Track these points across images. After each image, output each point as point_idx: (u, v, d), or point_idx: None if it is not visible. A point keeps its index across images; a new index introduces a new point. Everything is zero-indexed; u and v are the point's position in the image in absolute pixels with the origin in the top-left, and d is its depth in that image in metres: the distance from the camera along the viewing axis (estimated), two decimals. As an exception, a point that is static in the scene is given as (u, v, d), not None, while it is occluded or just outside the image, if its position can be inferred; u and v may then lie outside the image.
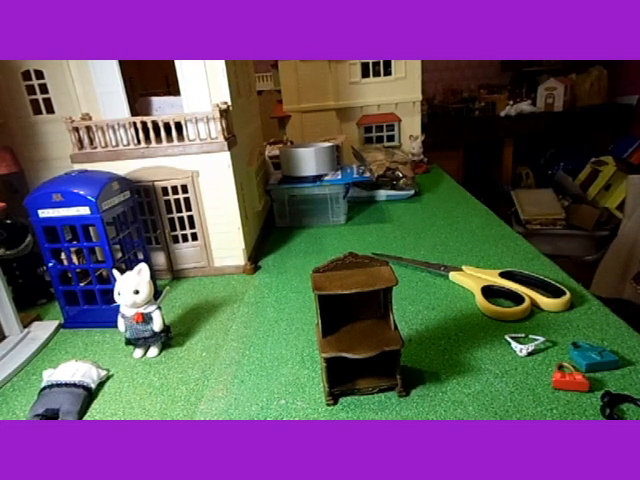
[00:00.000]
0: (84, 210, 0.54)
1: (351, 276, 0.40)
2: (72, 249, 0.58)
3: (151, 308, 0.49)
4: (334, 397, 0.41)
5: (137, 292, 0.48)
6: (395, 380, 0.41)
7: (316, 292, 0.39)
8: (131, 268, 0.62)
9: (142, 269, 0.48)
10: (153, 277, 0.66)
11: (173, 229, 0.69)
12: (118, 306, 0.57)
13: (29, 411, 0.42)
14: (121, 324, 0.49)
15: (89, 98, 0.68)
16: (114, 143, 0.66)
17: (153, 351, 0.51)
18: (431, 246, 0.74)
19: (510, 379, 0.41)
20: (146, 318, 0.49)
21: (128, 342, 0.50)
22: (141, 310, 0.49)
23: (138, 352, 0.51)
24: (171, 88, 0.82)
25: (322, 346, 0.40)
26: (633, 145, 2.49)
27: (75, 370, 0.45)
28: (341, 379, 0.42)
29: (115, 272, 0.48)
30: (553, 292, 0.53)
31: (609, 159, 2.25)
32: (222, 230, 0.69)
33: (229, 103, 0.67)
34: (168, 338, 0.51)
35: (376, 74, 1.24)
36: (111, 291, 0.57)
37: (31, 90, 0.71)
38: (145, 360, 0.51)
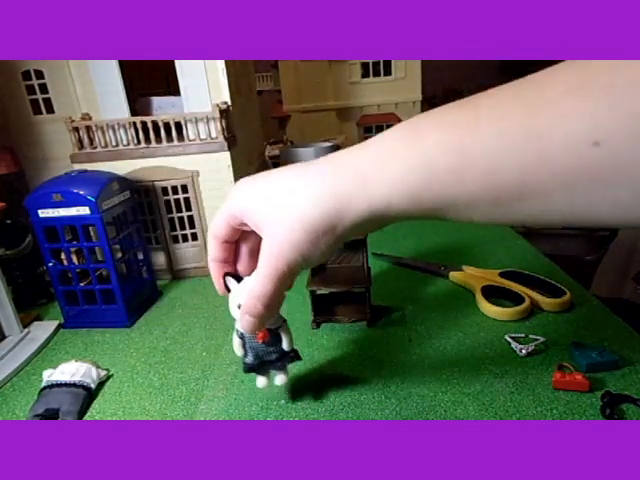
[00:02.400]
0: (84, 210, 0.54)
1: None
2: (72, 249, 0.58)
3: (277, 323, 0.38)
4: (317, 323, 0.53)
5: None
6: (366, 315, 0.52)
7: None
8: (131, 268, 0.62)
9: None
10: (154, 277, 0.66)
11: (173, 229, 0.69)
12: (118, 306, 0.58)
13: (29, 411, 0.42)
14: (238, 346, 0.38)
15: (89, 98, 0.68)
16: (114, 143, 0.66)
17: (281, 378, 0.40)
18: (431, 246, 0.74)
19: (510, 379, 0.41)
20: (272, 336, 0.38)
21: (249, 369, 0.39)
22: (267, 326, 0.37)
23: (262, 381, 0.40)
24: (171, 88, 0.82)
25: (309, 283, 0.52)
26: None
27: (75, 370, 0.45)
28: (324, 311, 0.53)
29: (230, 280, 0.36)
30: (553, 292, 0.53)
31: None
32: (222, 230, 0.69)
33: (229, 103, 0.67)
34: (293, 360, 0.40)
35: (376, 74, 1.24)
36: (111, 291, 0.57)
37: (31, 90, 0.71)
38: (145, 360, 0.50)
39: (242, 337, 0.38)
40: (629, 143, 0.19)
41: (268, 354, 0.38)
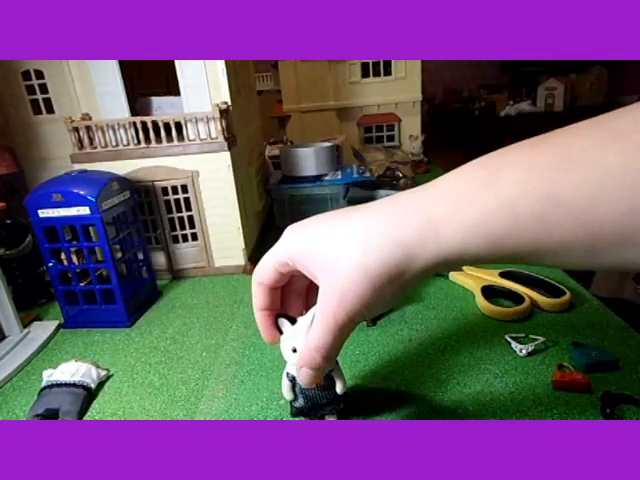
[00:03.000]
0: (84, 210, 0.54)
1: None
2: (72, 249, 0.58)
3: (332, 366, 0.34)
4: None
5: None
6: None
7: None
8: (131, 268, 0.62)
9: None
10: (154, 277, 0.66)
11: (173, 229, 0.69)
12: (118, 306, 0.58)
13: (29, 411, 0.42)
14: (288, 389, 0.36)
15: (89, 98, 0.68)
16: (114, 143, 0.66)
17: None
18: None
19: (510, 379, 0.41)
20: (326, 380, 0.35)
21: (298, 412, 0.37)
22: None
23: None
24: (171, 88, 0.82)
25: None
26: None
27: (75, 370, 0.45)
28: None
29: (284, 322, 0.33)
30: (553, 292, 0.53)
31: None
32: (222, 230, 0.69)
33: (229, 103, 0.67)
34: (344, 404, 0.37)
35: (376, 74, 1.24)
36: (111, 291, 0.57)
37: (31, 90, 0.71)
38: (145, 360, 0.51)
39: (293, 380, 0.36)
40: None
41: (321, 398, 0.36)
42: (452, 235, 0.24)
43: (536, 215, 0.21)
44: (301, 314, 0.33)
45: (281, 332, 0.34)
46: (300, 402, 0.37)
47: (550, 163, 0.22)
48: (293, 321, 0.33)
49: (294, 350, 0.33)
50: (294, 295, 0.35)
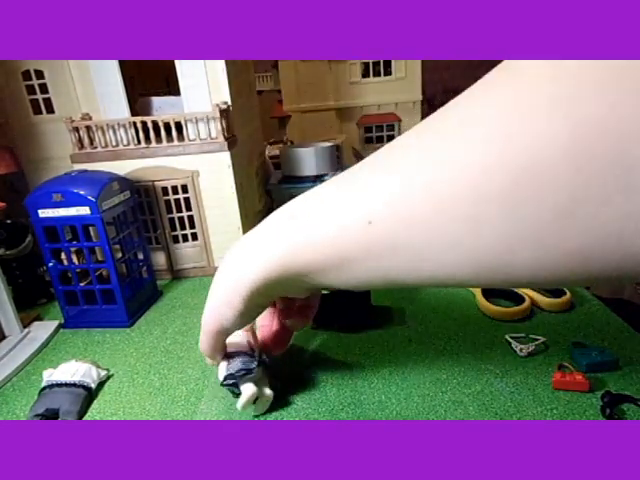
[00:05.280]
0: (84, 210, 0.54)
1: None
2: (72, 249, 0.58)
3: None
4: (317, 325, 0.53)
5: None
6: (366, 315, 0.53)
7: None
8: (131, 268, 0.62)
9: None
10: (154, 277, 0.66)
11: (173, 229, 0.69)
12: (118, 306, 0.58)
13: (29, 411, 0.42)
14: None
15: (89, 98, 0.68)
16: (114, 143, 0.66)
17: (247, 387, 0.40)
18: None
19: (510, 379, 0.41)
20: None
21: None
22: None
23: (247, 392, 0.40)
24: (171, 88, 0.82)
25: None
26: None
27: (75, 370, 0.45)
28: (325, 312, 0.47)
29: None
30: (553, 292, 0.53)
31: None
32: (222, 230, 0.69)
33: (229, 103, 0.67)
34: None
35: (376, 74, 1.24)
36: (111, 291, 0.57)
37: (31, 90, 0.71)
38: (145, 360, 0.51)
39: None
40: (396, 225, 0.23)
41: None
42: (258, 264, 0.32)
43: (296, 247, 0.30)
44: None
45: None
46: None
47: (299, 211, 0.31)
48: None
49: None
50: (297, 311, 0.43)
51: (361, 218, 0.25)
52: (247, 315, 0.35)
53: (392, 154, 0.26)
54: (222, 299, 0.34)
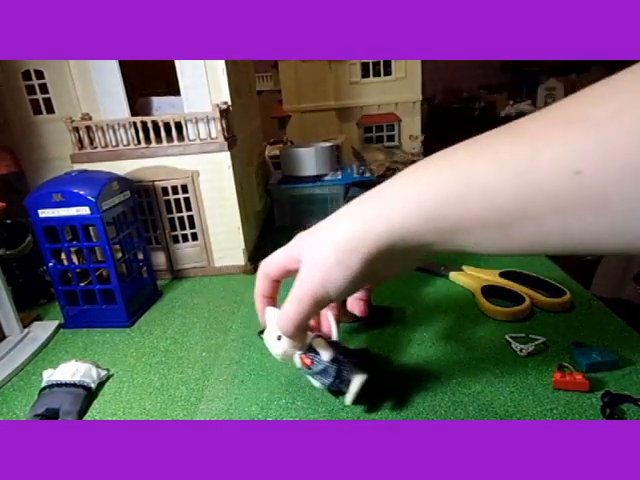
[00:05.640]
0: (84, 210, 0.54)
1: None
2: (72, 249, 0.58)
3: (306, 344, 0.38)
4: None
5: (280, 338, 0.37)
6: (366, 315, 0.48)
7: None
8: (131, 268, 0.62)
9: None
10: (154, 277, 0.66)
11: (173, 229, 0.69)
12: (118, 306, 0.58)
13: (29, 411, 0.42)
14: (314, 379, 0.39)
15: (89, 98, 0.68)
16: (114, 143, 0.66)
17: (357, 379, 0.38)
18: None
19: (510, 379, 0.41)
20: (314, 357, 0.38)
21: (332, 392, 0.40)
22: (300, 353, 0.38)
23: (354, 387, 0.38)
24: (171, 88, 0.82)
25: None
26: (633, 145, 2.48)
27: (75, 370, 0.45)
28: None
29: (272, 310, 0.38)
30: (553, 292, 0.53)
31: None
32: (222, 230, 0.69)
33: (229, 103, 0.67)
34: (362, 357, 0.40)
35: (376, 74, 1.24)
36: (111, 291, 0.57)
37: (31, 90, 0.71)
38: (145, 360, 0.51)
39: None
40: (606, 174, 0.21)
41: (326, 375, 0.38)
42: (396, 212, 0.29)
43: (457, 195, 0.26)
44: None
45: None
46: (320, 385, 0.39)
47: (467, 155, 0.27)
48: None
49: (279, 338, 0.37)
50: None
51: (566, 167, 0.22)
52: (358, 283, 0.32)
53: (593, 97, 0.24)
54: (331, 257, 0.31)
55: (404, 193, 0.29)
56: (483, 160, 0.26)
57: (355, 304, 0.41)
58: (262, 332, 0.39)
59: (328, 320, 0.39)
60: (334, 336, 0.39)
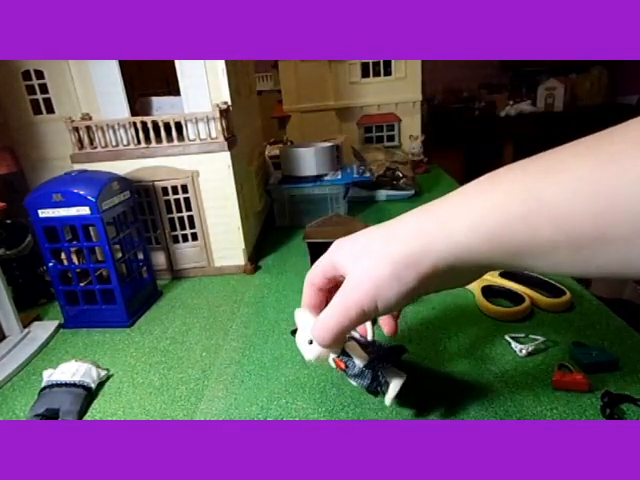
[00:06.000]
0: (84, 210, 0.54)
1: (333, 230, 0.53)
2: (72, 249, 0.58)
3: (340, 348, 0.37)
4: None
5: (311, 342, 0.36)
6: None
7: (305, 240, 0.55)
8: (131, 268, 0.62)
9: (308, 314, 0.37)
10: (154, 277, 0.66)
11: (173, 229, 0.69)
12: (118, 306, 0.58)
13: (29, 411, 0.42)
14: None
15: (89, 98, 0.68)
16: (114, 143, 0.66)
17: (396, 383, 0.37)
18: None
19: (510, 379, 0.41)
20: (348, 361, 0.37)
21: (370, 393, 0.39)
22: (334, 356, 0.37)
23: (394, 387, 0.37)
24: (171, 88, 0.82)
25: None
26: (633, 145, 2.48)
27: (75, 370, 0.45)
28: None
29: (302, 313, 0.37)
30: (553, 292, 0.53)
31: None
32: (222, 230, 0.69)
33: (229, 103, 0.67)
34: (393, 355, 0.38)
35: (376, 74, 1.24)
36: (111, 291, 0.57)
37: (31, 90, 0.71)
38: (145, 360, 0.51)
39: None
40: None
41: (363, 377, 0.37)
42: (458, 230, 0.27)
43: (524, 214, 0.25)
44: None
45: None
46: (366, 382, 0.37)
47: (536, 173, 0.25)
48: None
49: (310, 342, 0.36)
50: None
51: None
52: (409, 298, 0.31)
53: None
54: (386, 272, 0.29)
55: (466, 211, 0.27)
56: (556, 179, 0.24)
57: (386, 322, 0.40)
58: (295, 332, 0.39)
59: None
60: (369, 336, 0.39)
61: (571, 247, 0.24)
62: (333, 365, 0.38)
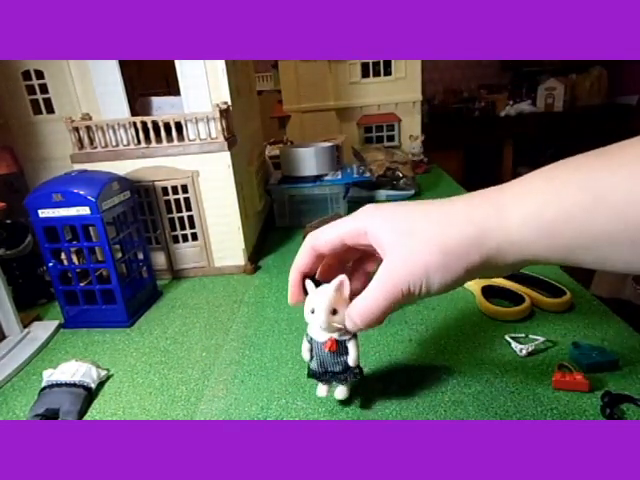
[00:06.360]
0: (84, 210, 0.54)
1: None
2: (72, 249, 0.58)
3: (347, 336, 0.37)
4: None
5: (335, 312, 0.35)
6: None
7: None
8: (131, 268, 0.62)
9: (344, 284, 0.35)
10: (154, 277, 0.66)
11: (173, 229, 0.69)
12: (118, 306, 0.58)
13: (29, 411, 0.42)
14: (306, 350, 0.39)
15: (89, 98, 0.68)
16: (114, 143, 0.66)
17: (341, 391, 0.39)
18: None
19: (510, 379, 0.41)
20: (340, 348, 0.37)
21: (312, 375, 0.39)
22: (336, 336, 0.37)
23: (322, 390, 0.39)
24: (171, 88, 0.82)
25: None
26: (633, 145, 2.48)
27: (75, 370, 0.45)
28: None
29: (310, 284, 0.36)
30: (553, 292, 0.53)
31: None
32: (222, 230, 0.69)
33: (229, 103, 0.67)
34: (357, 377, 0.39)
35: (376, 74, 1.24)
36: (111, 291, 0.57)
37: (31, 90, 0.71)
38: (145, 360, 0.51)
39: (310, 342, 0.38)
40: None
41: (333, 365, 0.38)
42: (515, 221, 0.27)
43: (582, 207, 0.24)
44: None
45: (306, 293, 0.37)
46: (314, 364, 0.39)
47: (598, 165, 0.25)
48: (317, 285, 0.36)
49: (312, 311, 0.36)
50: (335, 267, 0.38)
51: None
52: (452, 286, 0.30)
53: None
54: (437, 259, 0.29)
55: (521, 202, 0.27)
56: (619, 173, 0.24)
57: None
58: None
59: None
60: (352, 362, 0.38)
61: (632, 240, 0.24)
62: (320, 339, 0.37)
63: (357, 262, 0.39)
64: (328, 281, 0.36)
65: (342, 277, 0.35)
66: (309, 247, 0.36)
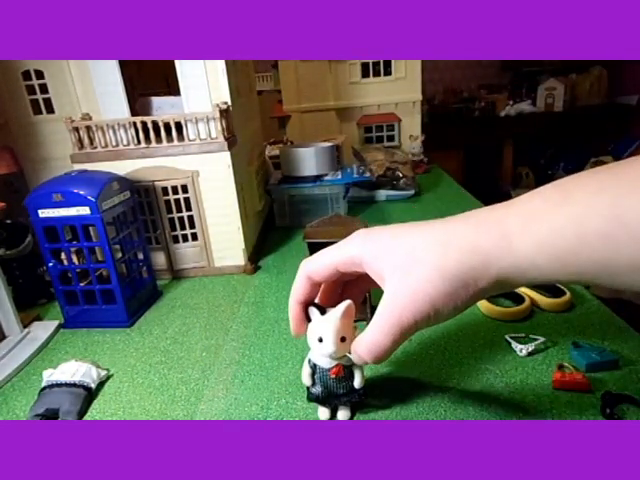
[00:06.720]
0: (84, 210, 0.54)
1: (333, 230, 0.53)
2: (72, 249, 0.58)
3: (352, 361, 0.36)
4: None
5: (344, 339, 0.34)
6: (366, 315, 0.51)
7: (305, 240, 0.53)
8: (131, 268, 0.62)
9: (351, 309, 0.34)
10: (154, 277, 0.66)
11: (173, 229, 0.69)
12: (118, 306, 0.58)
13: (29, 411, 0.42)
14: (307, 376, 0.38)
15: (89, 98, 0.68)
16: (114, 143, 0.66)
17: (344, 414, 0.39)
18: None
19: (510, 379, 0.41)
20: (346, 372, 0.37)
21: (314, 399, 0.38)
22: (343, 362, 0.36)
23: (324, 413, 0.39)
24: (171, 88, 0.82)
25: None
26: (632, 145, 2.49)
27: (75, 370, 0.45)
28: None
29: (314, 311, 0.35)
30: (553, 292, 0.53)
31: (609, 159, 2.25)
32: (222, 230, 0.69)
33: (229, 103, 0.67)
34: (361, 399, 0.38)
35: (376, 74, 1.24)
36: (111, 291, 0.57)
37: (31, 90, 0.71)
38: (145, 360, 0.51)
39: (313, 367, 0.37)
40: None
41: (337, 388, 0.37)
42: (524, 249, 0.25)
43: (602, 233, 0.22)
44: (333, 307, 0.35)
45: (309, 320, 0.35)
46: (317, 389, 0.38)
47: (618, 185, 0.23)
48: (323, 312, 0.35)
49: (320, 340, 0.34)
50: (333, 289, 0.37)
51: None
52: (459, 312, 0.29)
53: None
54: (442, 287, 0.27)
55: (531, 229, 0.25)
56: None
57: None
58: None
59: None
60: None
61: None
62: (326, 365, 0.36)
63: (354, 281, 0.37)
64: (330, 305, 0.35)
65: (348, 302, 0.34)
66: (304, 277, 0.35)
